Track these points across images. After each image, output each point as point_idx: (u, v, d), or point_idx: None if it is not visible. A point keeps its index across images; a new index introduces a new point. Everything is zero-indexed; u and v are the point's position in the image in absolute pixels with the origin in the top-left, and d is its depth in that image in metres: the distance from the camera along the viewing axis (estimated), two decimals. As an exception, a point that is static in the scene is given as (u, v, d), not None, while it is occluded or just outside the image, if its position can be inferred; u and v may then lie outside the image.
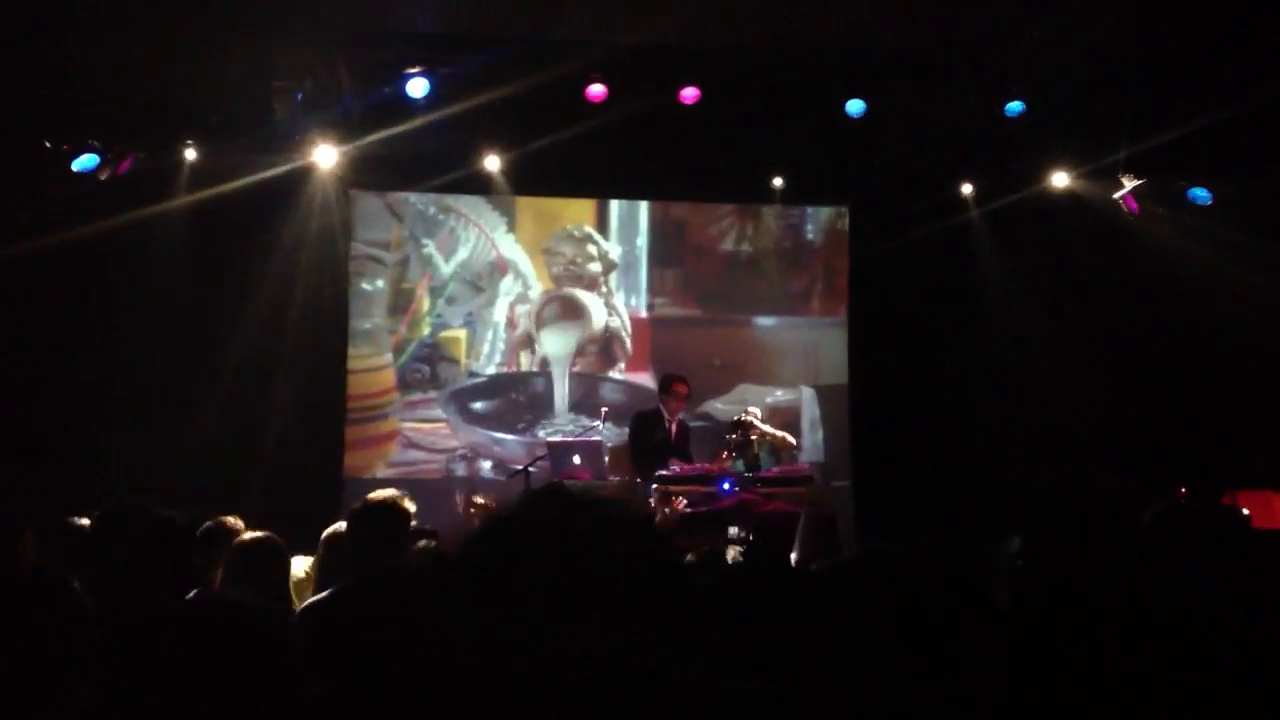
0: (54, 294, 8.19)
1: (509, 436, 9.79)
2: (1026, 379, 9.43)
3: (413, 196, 9.91)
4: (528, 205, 10.03)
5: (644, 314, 10.23)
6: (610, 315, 10.14)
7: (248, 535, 3.94)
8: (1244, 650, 1.60)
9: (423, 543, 4.02)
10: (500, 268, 10.02)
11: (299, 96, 8.44)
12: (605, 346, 10.12)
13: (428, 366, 9.87)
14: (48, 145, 8.09)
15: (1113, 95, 8.08)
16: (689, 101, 8.69)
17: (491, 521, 1.23)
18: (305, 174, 9.08)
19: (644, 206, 10.27)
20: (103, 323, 8.45)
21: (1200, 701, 1.54)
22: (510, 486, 8.49)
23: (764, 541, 5.92)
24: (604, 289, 10.15)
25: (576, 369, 10.05)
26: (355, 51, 8.31)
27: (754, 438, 8.08)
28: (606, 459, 8.26)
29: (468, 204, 9.96)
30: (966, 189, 9.86)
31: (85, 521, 4.13)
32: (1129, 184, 8.91)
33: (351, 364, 9.69)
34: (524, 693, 1.08)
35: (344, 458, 9.54)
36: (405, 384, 9.81)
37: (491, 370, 9.97)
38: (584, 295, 10.10)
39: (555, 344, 10.00)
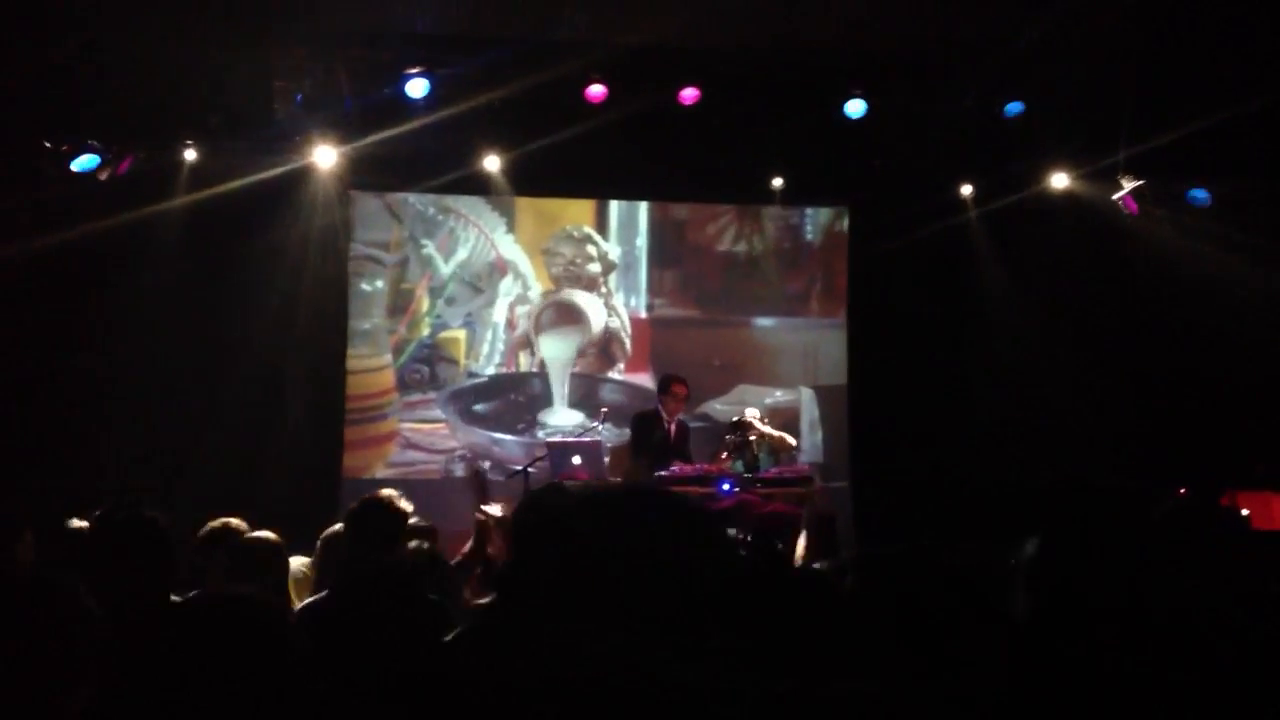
0: (54, 294, 8.18)
1: (508, 437, 9.79)
2: (1026, 379, 9.44)
3: (412, 197, 9.91)
4: (527, 206, 10.03)
5: (643, 314, 10.23)
6: (609, 316, 10.14)
7: (248, 535, 3.95)
8: (1244, 651, 1.60)
9: (415, 543, 4.03)
10: (500, 268, 10.02)
11: (299, 97, 8.44)
12: (604, 347, 10.12)
13: (427, 367, 9.87)
14: (47, 145, 8.09)
15: (1112, 95, 8.08)
16: (689, 102, 8.70)
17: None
18: (305, 174, 9.07)
19: (643, 207, 10.28)
20: (103, 323, 8.45)
21: (1200, 702, 1.54)
22: (509, 487, 8.48)
23: (763, 542, 5.91)
24: (603, 289, 10.15)
25: (576, 369, 10.06)
26: (355, 51, 8.31)
27: (753, 438, 8.09)
28: (606, 459, 8.26)
29: (467, 204, 9.96)
30: (966, 190, 9.87)
31: (82, 524, 4.13)
32: (1128, 185, 8.91)
33: (351, 364, 9.68)
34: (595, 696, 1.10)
35: (343, 458, 9.53)
36: (404, 384, 9.81)
37: (491, 371, 9.97)
38: (582, 299, 10.09)
39: (554, 349, 10.00)
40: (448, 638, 2.96)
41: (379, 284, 9.87)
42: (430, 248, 9.94)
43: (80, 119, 8.06)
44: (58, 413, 8.16)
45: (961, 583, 2.09)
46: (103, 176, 8.20)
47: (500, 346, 9.99)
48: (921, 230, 9.56)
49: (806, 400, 10.21)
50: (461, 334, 9.96)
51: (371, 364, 9.78)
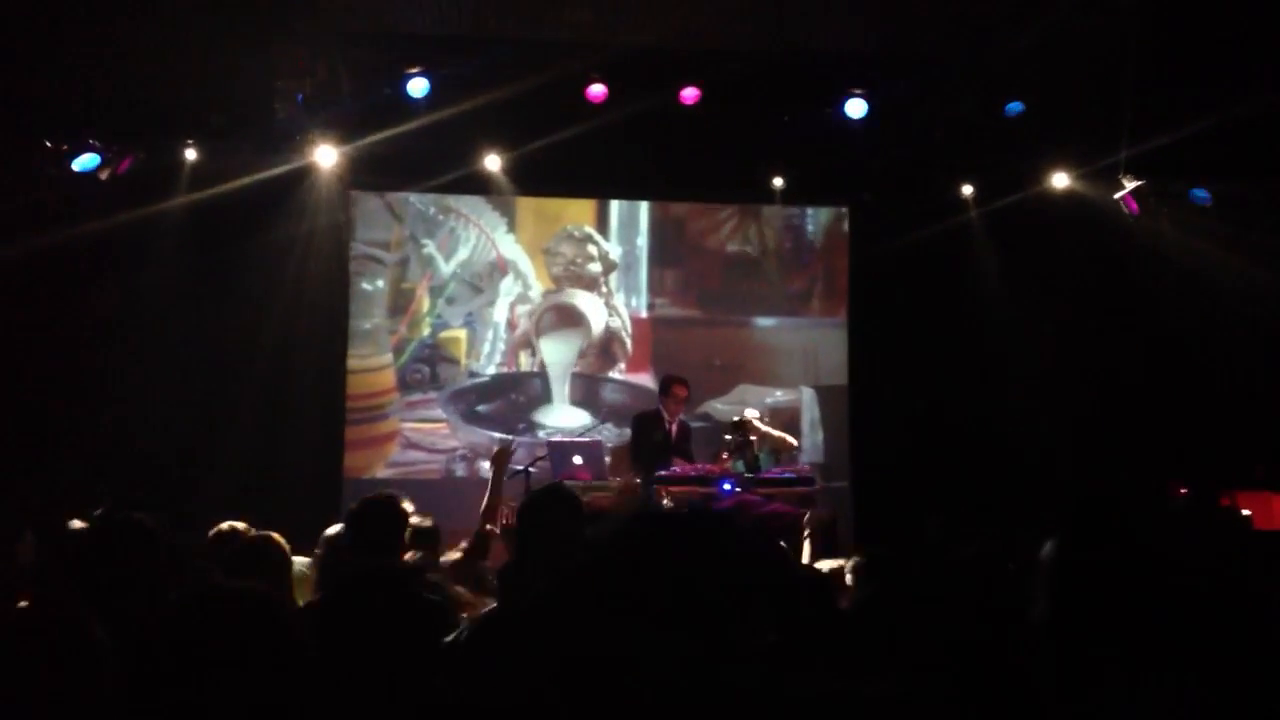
0: (54, 294, 8.19)
1: (509, 437, 9.78)
2: (1026, 380, 9.44)
3: (413, 196, 9.91)
4: (528, 205, 10.03)
5: (644, 314, 10.23)
6: (610, 315, 10.14)
7: (249, 535, 3.95)
8: (1244, 651, 1.60)
9: (412, 555, 4.03)
10: (500, 268, 10.02)
11: (299, 96, 8.44)
12: (605, 347, 10.12)
13: (428, 367, 9.87)
14: (48, 145, 8.10)
15: (1113, 95, 8.08)
16: (689, 102, 8.70)
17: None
18: (305, 174, 9.08)
19: (644, 207, 10.27)
20: (103, 322, 8.46)
21: (1200, 703, 1.54)
22: (510, 487, 8.47)
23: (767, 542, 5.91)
24: (604, 289, 10.15)
25: (576, 369, 10.06)
26: (355, 51, 8.31)
27: (753, 438, 8.08)
28: (607, 459, 8.25)
29: (468, 204, 9.96)
30: (967, 190, 9.86)
31: (83, 524, 4.14)
32: (1129, 184, 8.91)
33: (351, 364, 9.69)
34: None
35: (344, 458, 9.54)
36: (405, 384, 9.81)
37: (491, 370, 9.97)
38: (581, 301, 10.09)
39: (555, 352, 10.00)
40: (448, 639, 2.96)
41: (380, 283, 9.88)
42: (431, 247, 9.95)
43: (81, 118, 8.07)
44: (58, 413, 8.16)
45: (971, 582, 2.10)
46: (103, 176, 8.21)
47: (501, 346, 9.99)
48: (922, 230, 9.56)
49: (807, 400, 10.21)
50: (462, 334, 9.96)
51: (372, 364, 9.78)
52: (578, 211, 10.23)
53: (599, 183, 9.96)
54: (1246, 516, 7.03)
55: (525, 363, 10.03)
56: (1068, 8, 7.45)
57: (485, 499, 5.01)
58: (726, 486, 7.63)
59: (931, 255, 9.65)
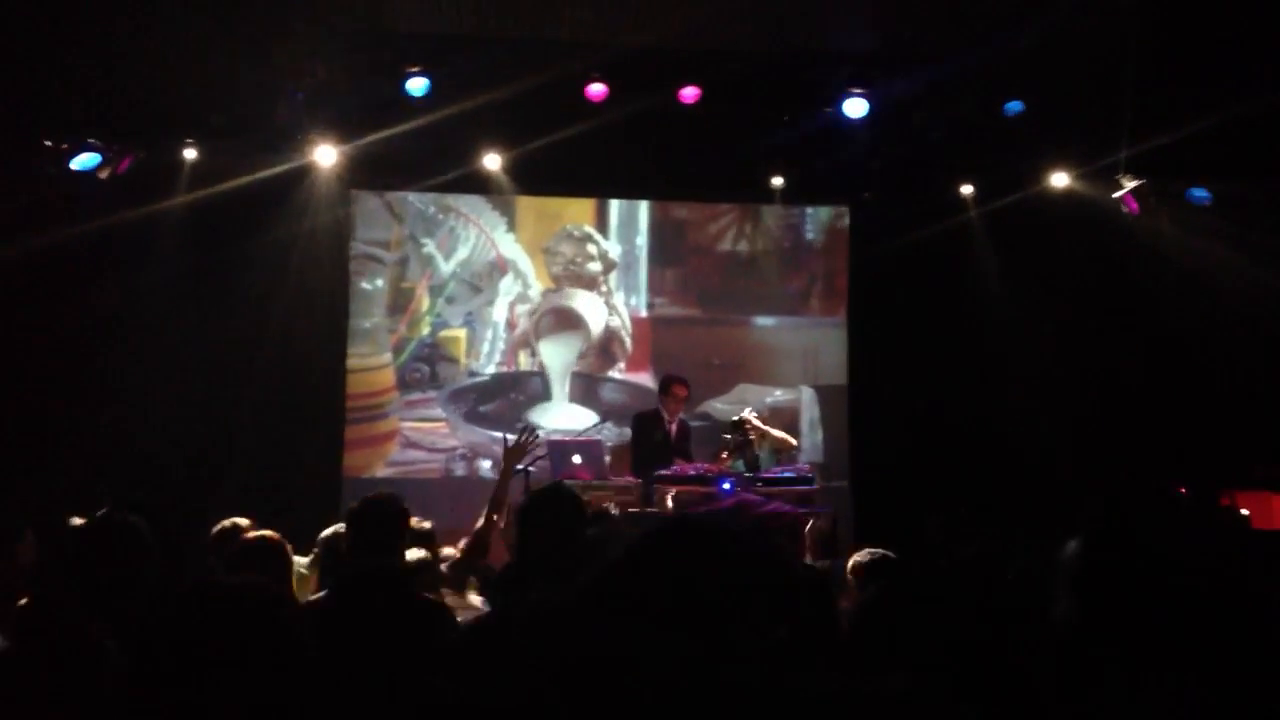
0: (54, 293, 8.18)
1: (509, 436, 9.76)
2: (1026, 379, 9.44)
3: (412, 196, 9.92)
4: (528, 205, 10.03)
5: (644, 314, 10.23)
6: (610, 315, 10.14)
7: (250, 534, 3.96)
8: (1248, 651, 1.61)
9: (415, 553, 4.03)
10: (500, 267, 10.02)
11: (299, 96, 8.44)
12: (605, 346, 10.13)
13: (427, 366, 9.87)
14: (48, 144, 8.09)
15: (1112, 95, 8.08)
16: (689, 101, 8.70)
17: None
18: (305, 173, 9.09)
19: (644, 206, 10.28)
20: (103, 322, 8.45)
21: (1208, 703, 1.54)
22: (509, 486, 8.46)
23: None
24: (603, 288, 10.15)
25: (576, 369, 10.06)
26: (355, 51, 8.31)
27: (753, 438, 8.08)
28: (607, 459, 8.25)
29: (467, 203, 9.97)
30: (966, 189, 9.87)
31: (83, 524, 4.14)
32: (1129, 184, 8.91)
33: (351, 363, 9.69)
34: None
35: (343, 457, 9.54)
36: (405, 383, 9.81)
37: (491, 370, 9.97)
38: (580, 303, 10.08)
39: (554, 354, 10.00)
40: (449, 639, 2.97)
41: (379, 283, 9.88)
42: (430, 246, 9.95)
43: (81, 118, 8.06)
44: (57, 412, 8.16)
45: (972, 582, 2.10)
46: (103, 175, 8.21)
47: (500, 345, 9.99)
48: (922, 230, 9.56)
49: (807, 400, 10.21)
50: (462, 333, 9.97)
51: (372, 363, 9.79)
52: (577, 211, 10.23)
53: (599, 182, 9.96)
54: (1245, 516, 7.04)
55: (525, 362, 10.03)
56: (1068, 8, 7.45)
57: (494, 491, 4.95)
58: (726, 486, 7.63)
59: (931, 255, 9.66)
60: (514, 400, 9.95)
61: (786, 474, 8.01)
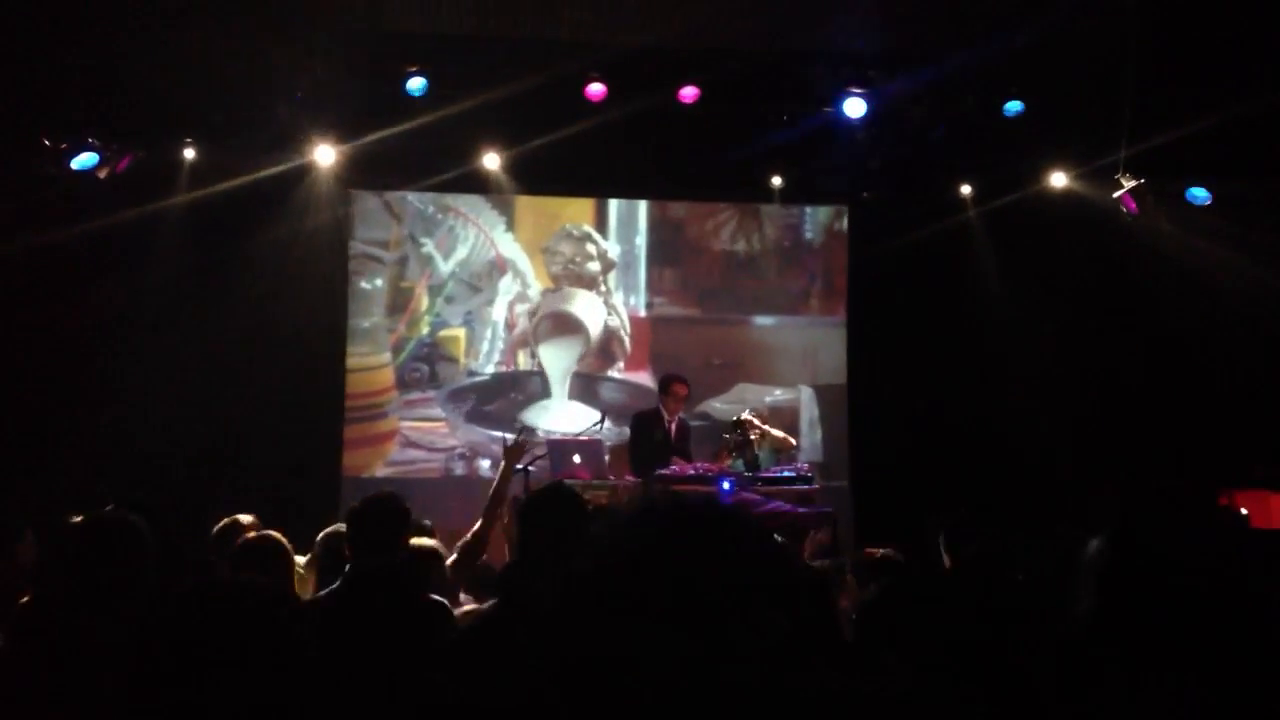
0: (53, 293, 8.18)
1: (508, 435, 9.77)
2: (1025, 379, 9.44)
3: (412, 195, 9.91)
4: (527, 204, 10.03)
5: (643, 313, 10.23)
6: (609, 315, 10.13)
7: (251, 534, 3.95)
8: (1243, 651, 1.61)
9: (419, 541, 4.02)
10: (499, 267, 10.02)
11: (298, 96, 8.44)
12: (604, 346, 10.12)
13: (426, 365, 9.87)
14: (47, 143, 8.09)
15: (1112, 95, 8.08)
16: (688, 101, 8.69)
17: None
18: (304, 173, 9.09)
19: (643, 206, 10.27)
20: (102, 321, 8.45)
21: (1215, 702, 1.54)
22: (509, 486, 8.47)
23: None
24: (603, 288, 10.15)
25: (576, 369, 10.06)
26: (354, 50, 8.30)
27: (753, 437, 8.09)
28: (606, 458, 8.25)
29: (467, 203, 9.96)
30: (966, 189, 9.87)
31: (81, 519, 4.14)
32: (1128, 183, 8.91)
33: (350, 362, 9.69)
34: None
35: (343, 456, 9.54)
36: (404, 383, 9.81)
37: (490, 369, 9.97)
38: (579, 306, 10.07)
39: (554, 359, 9.99)
40: (450, 639, 2.96)
41: (378, 282, 9.88)
42: (429, 246, 9.95)
43: (80, 117, 8.06)
44: (57, 412, 8.15)
45: (973, 581, 2.10)
46: (102, 175, 8.20)
47: (500, 345, 9.99)
48: (921, 229, 9.57)
49: (806, 399, 10.21)
50: (461, 332, 9.96)
51: (371, 362, 9.78)
52: (577, 210, 10.23)
53: (598, 182, 9.96)
54: (1245, 515, 7.04)
55: (524, 362, 10.03)
56: (1068, 8, 7.45)
57: (493, 490, 4.93)
58: (726, 485, 7.63)
59: (930, 254, 9.66)
60: (513, 400, 9.95)
61: (786, 473, 8.01)
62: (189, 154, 8.67)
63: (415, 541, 3.87)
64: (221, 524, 4.27)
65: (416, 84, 8.34)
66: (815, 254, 10.49)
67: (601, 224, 10.24)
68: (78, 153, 8.11)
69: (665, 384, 8.56)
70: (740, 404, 9.38)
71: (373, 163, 9.09)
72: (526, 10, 8.09)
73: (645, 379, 9.95)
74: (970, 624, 2.16)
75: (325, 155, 8.89)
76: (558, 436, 9.12)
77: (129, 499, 3.72)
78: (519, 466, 8.33)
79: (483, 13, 8.11)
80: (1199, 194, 8.92)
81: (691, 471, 7.88)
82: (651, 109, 8.68)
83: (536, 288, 10.05)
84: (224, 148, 8.57)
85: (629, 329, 10.15)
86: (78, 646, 2.47)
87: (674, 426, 8.44)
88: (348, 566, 3.47)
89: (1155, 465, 8.35)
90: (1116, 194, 9.00)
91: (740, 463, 8.03)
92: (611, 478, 8.03)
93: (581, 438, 8.55)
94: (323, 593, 3.66)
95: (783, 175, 9.86)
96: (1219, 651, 1.56)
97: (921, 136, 9.14)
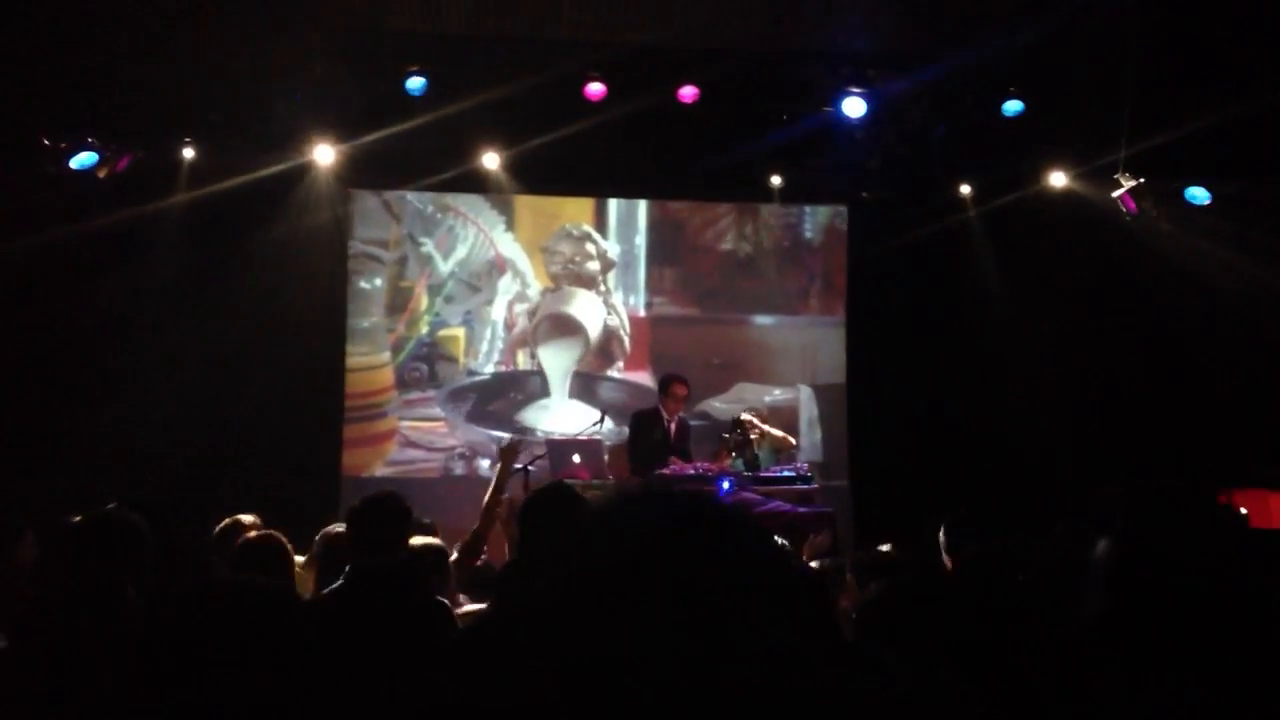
0: (52, 292, 8.18)
1: (507, 435, 9.78)
2: (1024, 378, 9.44)
3: (411, 195, 9.91)
4: (526, 204, 10.03)
5: (642, 313, 10.23)
6: (608, 314, 10.13)
7: (252, 534, 3.95)
8: (1246, 651, 1.61)
9: (423, 540, 4.02)
10: (499, 266, 10.02)
11: (298, 95, 8.43)
12: (603, 346, 10.12)
13: (426, 365, 9.87)
14: (46, 143, 8.08)
15: (1112, 95, 8.08)
16: (687, 100, 8.69)
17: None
18: (304, 172, 9.09)
19: (642, 205, 10.27)
20: (102, 321, 8.45)
21: (1225, 702, 1.54)
22: (508, 485, 8.47)
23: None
24: (602, 288, 10.15)
25: (575, 369, 10.07)
26: (353, 50, 8.30)
27: (753, 437, 8.09)
28: (606, 458, 8.25)
29: (466, 202, 9.96)
30: (965, 189, 9.87)
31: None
32: (1127, 183, 8.91)
33: (350, 362, 9.69)
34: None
35: (342, 456, 9.54)
36: (403, 382, 9.81)
37: (490, 369, 9.97)
38: (578, 308, 10.07)
39: (554, 361, 9.99)
40: (450, 638, 2.96)
41: (378, 282, 9.88)
42: (429, 245, 9.94)
43: (80, 116, 8.05)
44: (57, 411, 8.15)
45: (973, 581, 2.11)
46: (101, 174, 8.19)
47: (499, 345, 9.99)
48: (920, 229, 9.57)
49: (805, 399, 10.21)
50: (460, 332, 9.96)
51: (370, 362, 9.78)
52: (576, 210, 10.23)
53: (597, 181, 9.96)
54: (1244, 515, 7.04)
55: (523, 361, 10.02)
56: (1067, 8, 7.44)
57: (488, 494, 4.95)
58: (726, 485, 7.63)
59: (930, 254, 9.66)
60: (513, 399, 9.95)
61: (786, 473, 8.01)
62: (188, 153, 8.67)
63: (421, 540, 3.87)
64: (223, 524, 4.28)
65: (416, 83, 8.34)
66: (815, 253, 10.49)
67: (601, 223, 10.24)
68: (77, 152, 8.11)
69: (665, 384, 8.56)
70: (740, 403, 9.39)
71: (372, 162, 9.09)
72: (526, 10, 8.09)
73: (645, 379, 9.95)
74: (970, 624, 2.16)
75: (324, 155, 8.88)
76: (557, 436, 9.12)
77: (129, 498, 3.72)
78: (518, 466, 8.35)
79: (482, 12, 8.11)
80: (1198, 194, 8.92)
81: (691, 471, 7.88)
82: (651, 108, 8.68)
83: (536, 287, 10.05)
84: (223, 147, 8.57)
85: (628, 328, 10.15)
86: (78, 646, 2.46)
87: (673, 426, 8.44)
88: (349, 566, 3.47)
89: (1154, 464, 8.35)
90: (1116, 193, 9.01)
91: (740, 462, 8.03)
92: (611, 477, 8.03)
93: (581, 437, 8.55)
94: (323, 592, 3.65)
95: (782, 175, 9.86)
96: (1223, 652, 1.56)
97: (921, 136, 9.15)
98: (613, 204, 10.25)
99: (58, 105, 7.93)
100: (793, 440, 8.62)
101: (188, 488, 7.70)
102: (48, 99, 7.86)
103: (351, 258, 9.79)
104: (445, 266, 9.95)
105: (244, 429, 8.74)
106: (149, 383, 8.48)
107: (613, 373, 10.11)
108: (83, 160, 8.12)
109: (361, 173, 9.38)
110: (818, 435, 10.16)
